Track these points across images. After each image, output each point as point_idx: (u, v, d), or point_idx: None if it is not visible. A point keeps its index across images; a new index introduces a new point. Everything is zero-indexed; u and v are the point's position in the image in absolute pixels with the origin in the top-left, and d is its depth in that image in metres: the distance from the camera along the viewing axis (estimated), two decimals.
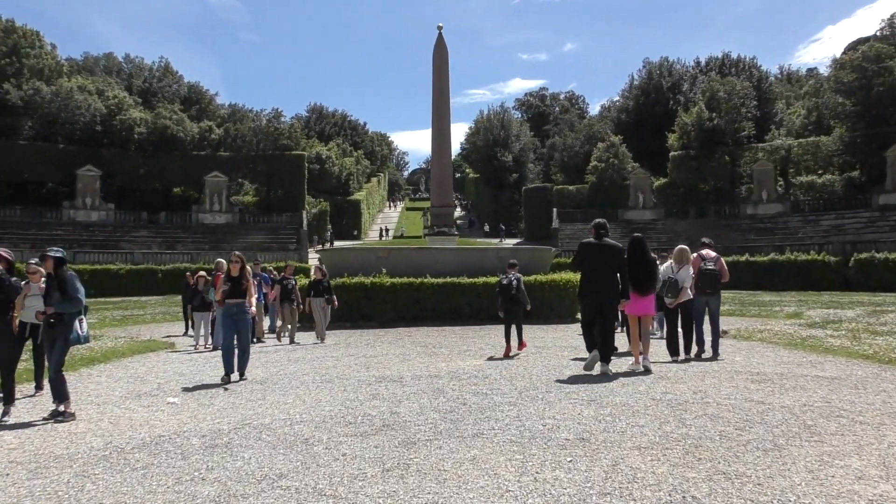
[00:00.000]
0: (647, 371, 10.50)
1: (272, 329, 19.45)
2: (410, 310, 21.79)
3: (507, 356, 13.18)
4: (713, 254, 12.93)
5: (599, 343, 10.36)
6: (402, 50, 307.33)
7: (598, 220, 11.12)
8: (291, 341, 17.05)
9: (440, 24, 30.52)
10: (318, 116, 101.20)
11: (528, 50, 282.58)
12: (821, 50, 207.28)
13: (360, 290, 21.55)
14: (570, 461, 5.56)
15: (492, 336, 17.29)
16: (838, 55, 69.52)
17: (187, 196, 69.34)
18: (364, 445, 6.21)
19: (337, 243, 62.51)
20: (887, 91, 57.10)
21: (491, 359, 12.93)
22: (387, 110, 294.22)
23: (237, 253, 11.24)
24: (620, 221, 64.90)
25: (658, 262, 12.42)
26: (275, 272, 21.55)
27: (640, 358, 10.89)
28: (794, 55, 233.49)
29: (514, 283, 13.69)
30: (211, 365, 12.76)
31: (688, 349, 12.34)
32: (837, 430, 6.48)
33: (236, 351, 11.03)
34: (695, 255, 12.79)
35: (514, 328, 13.76)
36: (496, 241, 69.62)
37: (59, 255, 8.41)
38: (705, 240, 13.65)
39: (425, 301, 21.85)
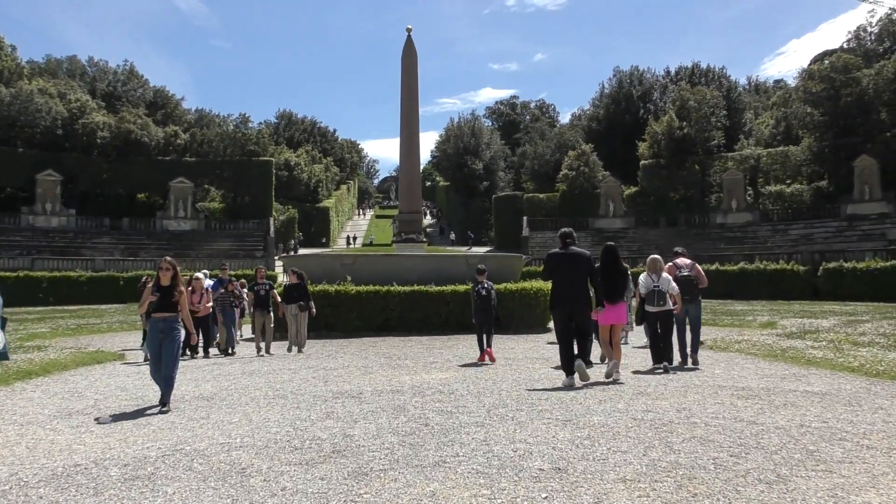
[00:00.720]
0: (616, 381, 10.37)
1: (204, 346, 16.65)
2: (376, 319, 20.98)
3: (482, 360, 13.45)
4: (687, 261, 12.91)
5: (577, 346, 10.25)
6: (373, 58, 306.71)
7: (563, 229, 10.92)
8: (267, 352, 15.94)
9: (409, 26, 29.87)
10: (288, 123, 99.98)
11: (498, 59, 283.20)
12: (786, 63, 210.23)
13: (323, 299, 20.64)
14: (546, 498, 4.79)
15: (460, 346, 16.55)
16: (804, 67, 69.97)
17: (152, 202, 67.94)
18: (308, 477, 5.38)
19: (303, 251, 61.39)
20: (855, 101, 57.39)
21: (464, 366, 12.43)
22: (357, 118, 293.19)
23: (168, 259, 9.60)
24: (591, 230, 64.54)
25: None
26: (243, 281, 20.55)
27: (612, 364, 10.73)
28: (759, 68, 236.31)
29: (493, 293, 14.05)
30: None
31: (665, 359, 11.99)
32: (844, 456, 5.79)
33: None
34: (669, 264, 12.71)
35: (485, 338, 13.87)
36: (464, 248, 69.03)
37: None
38: (678, 249, 13.58)
39: (392, 310, 21.06)
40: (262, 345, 16.14)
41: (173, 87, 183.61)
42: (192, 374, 12.56)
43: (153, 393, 10.06)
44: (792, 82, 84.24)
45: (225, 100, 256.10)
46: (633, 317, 14.87)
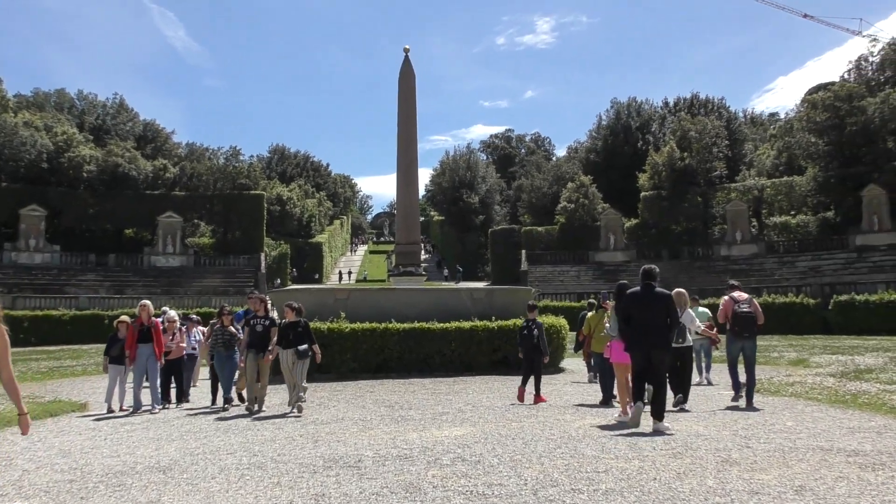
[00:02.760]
0: (623, 424, 9.85)
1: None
2: (373, 360, 18.96)
3: (520, 400, 12.74)
4: (745, 295, 12.33)
5: (652, 397, 9.59)
6: (365, 96, 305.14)
7: (645, 266, 10.41)
8: (259, 408, 12.65)
9: (407, 46, 28.21)
10: (280, 157, 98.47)
11: (489, 97, 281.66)
12: (774, 99, 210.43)
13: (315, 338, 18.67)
14: None
15: (469, 391, 14.54)
16: (804, 96, 68.90)
17: (140, 237, 66.00)
18: None
19: (294, 286, 59.31)
20: (860, 130, 56.09)
21: (483, 415, 10.18)
22: (350, 156, 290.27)
23: None
24: (592, 263, 62.93)
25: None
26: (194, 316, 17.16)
27: (628, 408, 10.25)
28: (749, 104, 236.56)
29: (536, 332, 13.25)
30: (113, 439, 9.84)
31: (679, 396, 11.73)
32: None
33: None
34: (726, 298, 12.29)
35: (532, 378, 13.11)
36: (452, 283, 67.06)
37: None
38: (734, 282, 13.19)
39: (390, 349, 19.02)
40: (256, 396, 12.88)
41: (166, 124, 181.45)
42: (156, 430, 10.53)
43: (102, 458, 8.08)
44: (786, 116, 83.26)
45: (218, 138, 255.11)
46: None
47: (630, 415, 9.77)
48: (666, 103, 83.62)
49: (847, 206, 57.63)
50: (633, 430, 9.18)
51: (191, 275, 60.62)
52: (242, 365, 13.07)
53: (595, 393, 13.59)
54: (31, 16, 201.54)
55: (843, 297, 42.43)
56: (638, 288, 10.03)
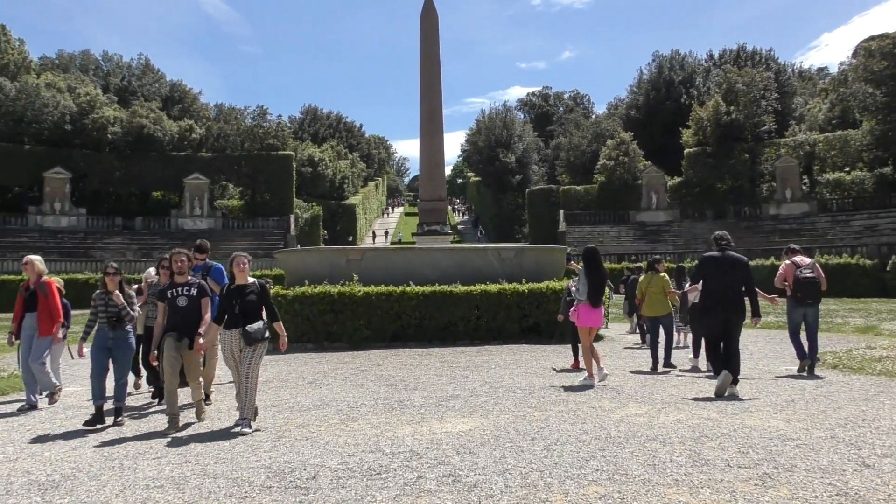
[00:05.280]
0: (588, 387, 10.01)
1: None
2: (389, 327, 16.99)
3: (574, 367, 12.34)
4: (808, 260, 11.91)
5: (726, 362, 9.34)
6: (401, 61, 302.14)
7: (717, 232, 10.23)
8: (175, 422, 7.94)
9: None
10: (313, 118, 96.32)
11: (525, 59, 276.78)
12: (819, 56, 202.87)
13: (324, 302, 16.75)
14: None
15: (492, 365, 12.43)
16: (838, 61, 65.10)
17: (167, 200, 64.57)
18: None
19: (311, 247, 57.70)
20: None
21: (539, 388, 8.04)
22: (387, 119, 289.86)
23: None
24: (633, 224, 60.11)
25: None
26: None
27: (596, 372, 10.46)
28: (792, 62, 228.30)
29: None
30: (36, 430, 7.92)
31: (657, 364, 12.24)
32: None
33: None
34: (787, 262, 11.83)
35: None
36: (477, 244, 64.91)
37: None
38: (794, 246, 12.64)
39: (408, 315, 17.01)
40: (194, 402, 8.60)
41: (204, 91, 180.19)
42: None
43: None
44: (839, 68, 78.65)
45: (254, 104, 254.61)
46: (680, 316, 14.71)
47: (721, 380, 9.28)
48: (710, 56, 79.47)
49: None
50: (701, 416, 7.02)
51: (219, 237, 59.07)
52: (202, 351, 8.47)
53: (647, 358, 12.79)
54: None
55: None
56: (716, 252, 9.75)
